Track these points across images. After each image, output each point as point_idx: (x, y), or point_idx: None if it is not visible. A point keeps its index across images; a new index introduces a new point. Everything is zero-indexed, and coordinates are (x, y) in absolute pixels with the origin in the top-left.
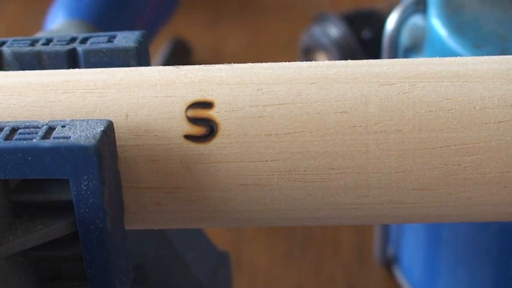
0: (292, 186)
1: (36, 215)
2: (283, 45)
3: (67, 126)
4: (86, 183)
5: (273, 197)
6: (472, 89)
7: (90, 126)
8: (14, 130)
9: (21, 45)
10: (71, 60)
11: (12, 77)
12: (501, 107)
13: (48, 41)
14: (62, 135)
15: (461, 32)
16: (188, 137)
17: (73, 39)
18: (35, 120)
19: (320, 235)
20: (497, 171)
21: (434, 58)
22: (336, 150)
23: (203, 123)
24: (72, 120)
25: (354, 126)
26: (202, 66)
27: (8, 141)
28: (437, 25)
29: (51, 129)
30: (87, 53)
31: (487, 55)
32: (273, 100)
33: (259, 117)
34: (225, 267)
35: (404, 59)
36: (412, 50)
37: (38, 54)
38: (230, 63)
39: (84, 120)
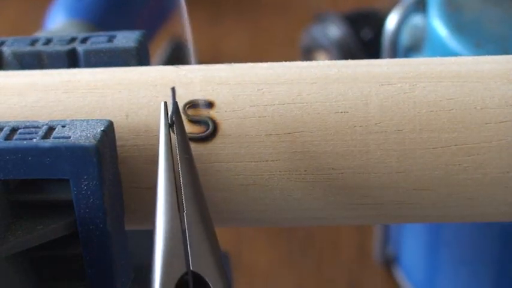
0: (292, 186)
1: (36, 215)
2: (283, 45)
3: (67, 126)
4: (86, 183)
5: (273, 197)
6: (472, 89)
7: (90, 126)
8: (14, 130)
9: (21, 45)
10: (71, 60)
11: (12, 77)
12: (502, 107)
13: (48, 41)
14: (62, 135)
15: (462, 32)
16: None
17: (73, 39)
18: (35, 120)
19: (320, 235)
20: (498, 171)
21: (434, 58)
22: (337, 150)
23: (203, 123)
24: (72, 120)
25: (355, 126)
26: (202, 66)
27: (8, 141)
28: (437, 25)
29: (51, 129)
30: (87, 53)
31: (488, 55)
32: (273, 100)
33: (259, 117)
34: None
35: (405, 59)
36: (412, 50)
37: (38, 54)
38: (230, 63)
39: (84, 120)
